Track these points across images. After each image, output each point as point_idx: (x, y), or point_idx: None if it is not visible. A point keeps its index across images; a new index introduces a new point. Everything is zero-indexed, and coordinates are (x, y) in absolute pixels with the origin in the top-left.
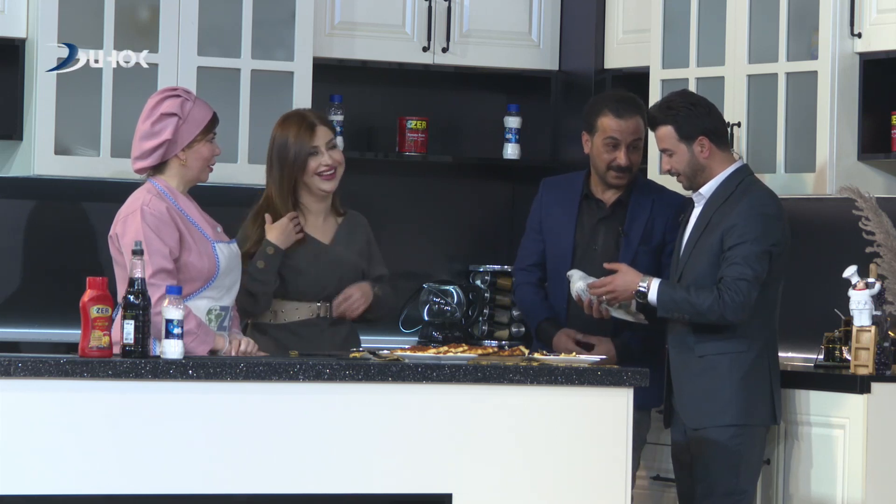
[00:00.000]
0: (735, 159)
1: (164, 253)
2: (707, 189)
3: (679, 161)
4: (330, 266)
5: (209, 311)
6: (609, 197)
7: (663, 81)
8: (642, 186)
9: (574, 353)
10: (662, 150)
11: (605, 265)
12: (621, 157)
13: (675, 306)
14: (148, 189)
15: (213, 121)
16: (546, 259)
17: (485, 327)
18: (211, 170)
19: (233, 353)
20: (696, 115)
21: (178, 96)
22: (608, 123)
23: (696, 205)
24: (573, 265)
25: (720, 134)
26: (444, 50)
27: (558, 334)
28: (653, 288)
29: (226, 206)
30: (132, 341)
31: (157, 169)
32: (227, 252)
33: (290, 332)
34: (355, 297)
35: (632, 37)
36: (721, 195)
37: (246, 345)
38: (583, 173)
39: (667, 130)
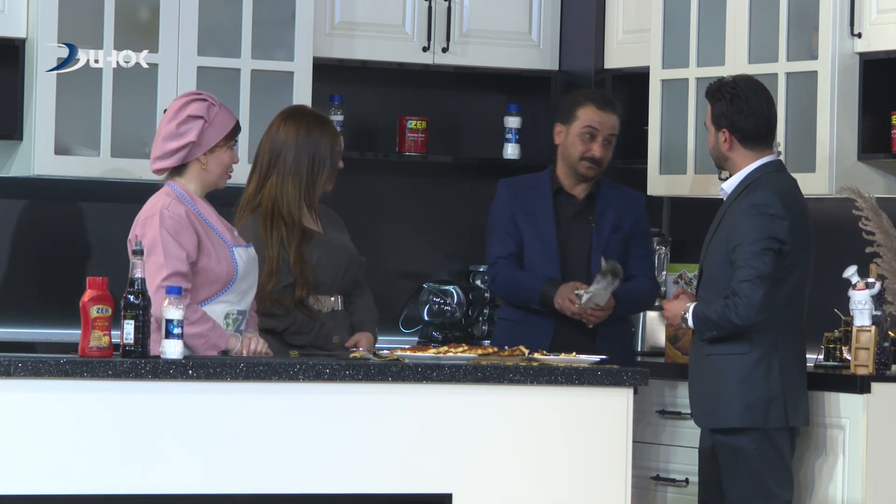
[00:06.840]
0: (766, 156)
1: (180, 257)
2: (729, 185)
3: (709, 140)
4: (336, 253)
5: (227, 315)
6: (580, 192)
7: (663, 81)
8: (608, 183)
9: (574, 353)
10: (706, 124)
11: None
12: (596, 149)
13: (703, 326)
14: (167, 192)
15: (236, 128)
16: (524, 254)
17: (485, 327)
18: (229, 177)
19: (244, 353)
20: (730, 109)
21: (205, 100)
22: (589, 114)
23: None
24: (558, 260)
25: (748, 135)
26: (444, 50)
27: (561, 288)
28: (688, 315)
29: (225, 206)
30: (132, 341)
31: (176, 171)
32: (245, 256)
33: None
34: (362, 347)
35: (632, 37)
36: (737, 192)
37: (256, 344)
38: (545, 172)
39: (708, 108)
